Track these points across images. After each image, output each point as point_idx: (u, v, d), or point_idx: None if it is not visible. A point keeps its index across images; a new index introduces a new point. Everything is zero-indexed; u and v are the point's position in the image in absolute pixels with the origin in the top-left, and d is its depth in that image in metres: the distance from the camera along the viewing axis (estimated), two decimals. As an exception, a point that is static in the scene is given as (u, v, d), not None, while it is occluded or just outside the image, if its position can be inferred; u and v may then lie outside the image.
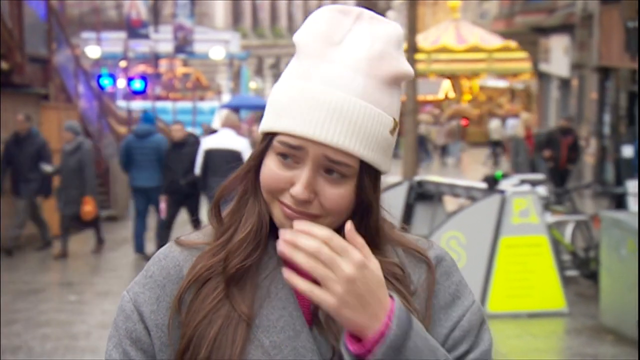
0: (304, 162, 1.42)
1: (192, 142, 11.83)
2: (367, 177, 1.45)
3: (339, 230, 1.45)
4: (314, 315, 1.45)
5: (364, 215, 1.47)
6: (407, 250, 1.54)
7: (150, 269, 1.52)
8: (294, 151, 1.42)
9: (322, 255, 1.30)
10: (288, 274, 1.33)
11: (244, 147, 10.51)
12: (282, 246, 1.33)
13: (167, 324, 1.47)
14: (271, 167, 1.44)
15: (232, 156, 10.15)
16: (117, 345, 1.49)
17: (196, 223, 11.59)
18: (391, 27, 1.47)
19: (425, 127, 32.53)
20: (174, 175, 11.57)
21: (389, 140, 1.46)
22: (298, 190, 1.41)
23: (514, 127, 33.10)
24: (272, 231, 1.48)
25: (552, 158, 15.66)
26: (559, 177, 15.54)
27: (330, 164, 1.42)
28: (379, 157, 1.45)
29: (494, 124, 32.36)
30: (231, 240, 1.48)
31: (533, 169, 16.26)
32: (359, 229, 1.44)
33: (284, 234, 1.34)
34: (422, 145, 29.35)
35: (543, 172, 15.44)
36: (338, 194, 1.43)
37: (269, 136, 1.46)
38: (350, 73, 1.42)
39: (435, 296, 1.51)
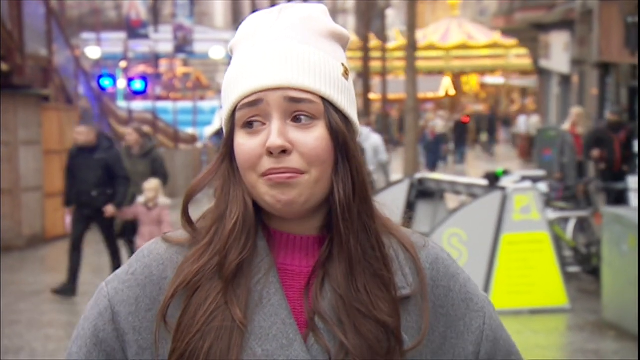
0: (269, 115, 1.39)
1: (105, 147, 10.31)
2: (335, 115, 1.42)
3: (328, 199, 1.42)
4: (310, 321, 1.41)
5: (344, 161, 1.42)
6: (403, 246, 1.50)
7: (133, 266, 1.46)
8: (255, 109, 1.40)
9: None
10: None
11: None
12: None
13: (145, 326, 1.42)
14: (241, 142, 1.41)
15: None
16: (80, 337, 1.47)
17: (112, 245, 10.38)
18: (314, 4, 1.50)
19: (445, 124, 31.25)
20: (83, 185, 10.12)
21: (344, 83, 1.45)
22: (272, 140, 1.37)
23: (524, 123, 32.82)
24: (260, 229, 1.45)
25: (604, 159, 13.12)
26: (615, 179, 12.70)
27: (294, 104, 1.39)
28: (337, 96, 1.43)
29: (534, 119, 31.50)
30: (217, 237, 1.42)
31: (580, 171, 13.90)
32: (345, 178, 1.41)
33: None
34: (439, 144, 27.17)
35: (593, 174, 13.99)
36: (313, 137, 1.39)
37: (231, 118, 1.44)
38: (287, 30, 1.43)
39: (452, 305, 1.49)
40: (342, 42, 1.49)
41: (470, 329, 1.50)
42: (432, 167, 23.97)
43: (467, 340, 1.50)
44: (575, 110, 14.82)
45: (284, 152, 1.38)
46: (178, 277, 1.41)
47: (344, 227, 1.41)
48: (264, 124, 1.40)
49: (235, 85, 1.42)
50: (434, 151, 25.44)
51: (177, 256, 1.45)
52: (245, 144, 1.40)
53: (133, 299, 1.43)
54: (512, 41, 37.12)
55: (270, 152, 1.38)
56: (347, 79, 1.46)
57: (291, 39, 1.42)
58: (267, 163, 1.38)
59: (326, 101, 1.41)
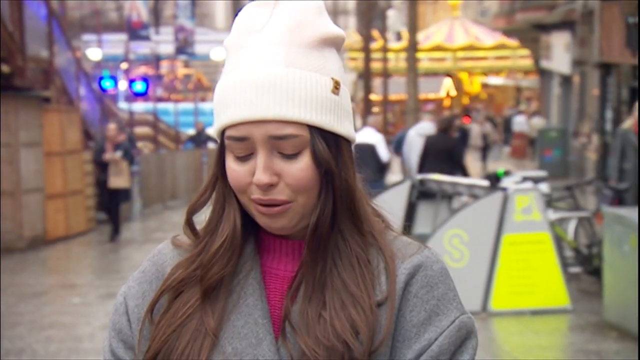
0: (256, 149, 1.41)
1: None
2: (321, 141, 1.41)
3: (318, 225, 1.42)
4: (282, 324, 1.43)
5: (328, 185, 1.43)
6: (384, 256, 1.46)
7: (144, 265, 1.56)
8: (242, 144, 1.41)
9: None
10: None
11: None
12: None
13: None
14: (231, 167, 1.44)
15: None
16: (107, 336, 1.55)
17: None
18: (308, 1, 1.46)
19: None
20: None
21: (335, 100, 1.43)
22: (258, 176, 1.40)
23: (521, 123, 32.44)
24: (246, 234, 1.48)
25: None
26: None
27: (279, 142, 1.40)
28: (327, 118, 1.42)
29: (538, 121, 30.71)
30: (205, 249, 1.48)
31: None
32: (324, 204, 1.42)
33: None
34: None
35: None
36: (299, 168, 1.40)
37: (221, 137, 1.45)
38: (272, 47, 1.42)
39: (411, 310, 1.42)
40: (337, 44, 1.48)
41: (420, 339, 1.42)
42: None
43: (410, 348, 1.42)
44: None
45: (271, 185, 1.41)
46: (167, 280, 1.49)
47: (312, 252, 1.43)
48: (252, 153, 1.42)
49: (221, 110, 1.44)
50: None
51: (179, 258, 1.52)
52: (235, 169, 1.43)
53: (140, 293, 1.52)
54: (516, 42, 37.01)
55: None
56: (337, 93, 1.44)
57: (276, 63, 1.41)
58: (255, 192, 1.42)
59: (312, 127, 1.41)
